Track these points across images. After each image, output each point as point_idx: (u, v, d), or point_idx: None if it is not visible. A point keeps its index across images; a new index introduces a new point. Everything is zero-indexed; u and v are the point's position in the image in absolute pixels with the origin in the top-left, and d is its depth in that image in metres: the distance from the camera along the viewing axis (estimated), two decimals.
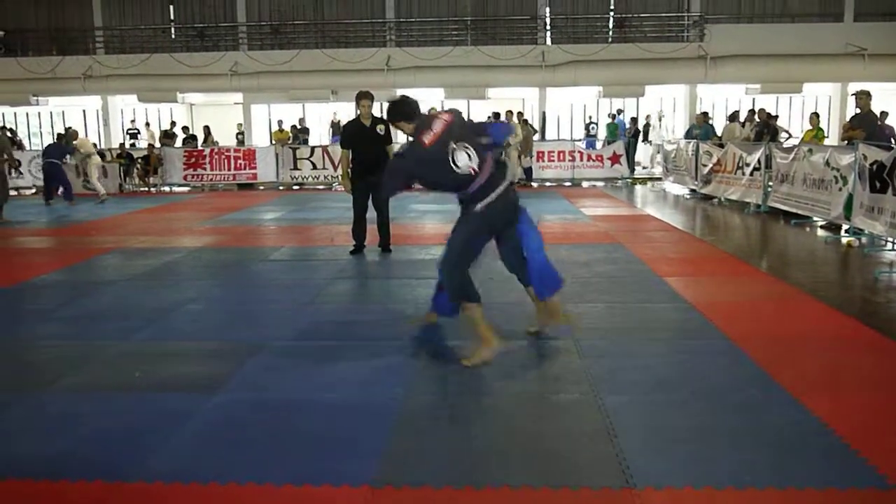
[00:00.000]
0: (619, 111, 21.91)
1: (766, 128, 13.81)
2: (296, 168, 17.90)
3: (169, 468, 3.01)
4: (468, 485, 2.84)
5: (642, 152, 20.56)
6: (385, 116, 4.99)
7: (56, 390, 3.96)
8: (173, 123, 21.39)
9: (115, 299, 6.12)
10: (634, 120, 20.80)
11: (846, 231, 8.85)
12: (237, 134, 21.48)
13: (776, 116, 16.13)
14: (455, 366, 4.27)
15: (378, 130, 7.69)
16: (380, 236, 8.03)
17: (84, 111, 24.70)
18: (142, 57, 21.40)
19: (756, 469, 2.92)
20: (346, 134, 7.91)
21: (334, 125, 20.14)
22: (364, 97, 7.66)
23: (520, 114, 18.24)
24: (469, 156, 4.12)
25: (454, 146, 4.10)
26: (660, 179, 17.38)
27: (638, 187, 16.95)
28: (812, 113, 13.02)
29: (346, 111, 22.62)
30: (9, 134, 20.04)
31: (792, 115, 22.01)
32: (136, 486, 2.87)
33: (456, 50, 20.72)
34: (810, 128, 12.49)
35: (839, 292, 6.28)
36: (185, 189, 18.02)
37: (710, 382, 3.93)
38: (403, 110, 4.31)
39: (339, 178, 10.73)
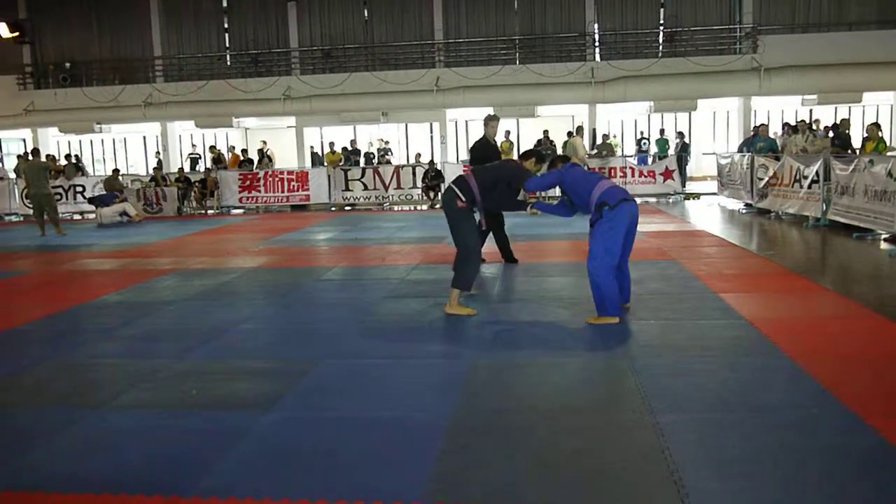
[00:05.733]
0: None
1: (838, 138, 13.43)
2: (347, 189, 18.17)
3: (224, 484, 3.06)
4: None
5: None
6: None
7: (115, 407, 4.07)
8: (213, 148, 21.65)
9: (173, 319, 6.27)
10: (681, 134, 20.40)
11: None
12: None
13: (844, 123, 15.27)
14: (506, 383, 4.25)
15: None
16: (504, 251, 8.35)
17: (144, 137, 25.56)
18: (199, 84, 22.09)
19: (818, 490, 2.82)
20: (476, 152, 8.29)
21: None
22: (491, 119, 8.25)
23: (569, 133, 18.19)
24: None
25: None
26: (714, 194, 17.07)
27: (690, 202, 16.67)
28: (871, 123, 12.57)
29: (393, 134, 22.95)
30: (73, 160, 20.85)
31: (852, 125, 21.34)
32: (192, 502, 2.92)
33: (505, 69, 20.78)
34: (869, 138, 12.10)
35: None
36: (241, 211, 18.42)
37: (769, 401, 3.82)
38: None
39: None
